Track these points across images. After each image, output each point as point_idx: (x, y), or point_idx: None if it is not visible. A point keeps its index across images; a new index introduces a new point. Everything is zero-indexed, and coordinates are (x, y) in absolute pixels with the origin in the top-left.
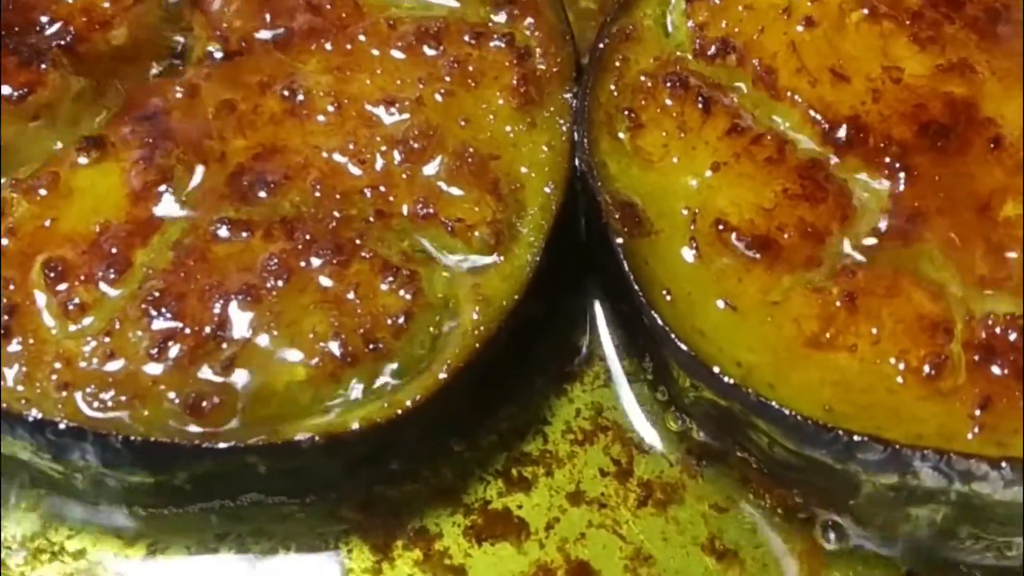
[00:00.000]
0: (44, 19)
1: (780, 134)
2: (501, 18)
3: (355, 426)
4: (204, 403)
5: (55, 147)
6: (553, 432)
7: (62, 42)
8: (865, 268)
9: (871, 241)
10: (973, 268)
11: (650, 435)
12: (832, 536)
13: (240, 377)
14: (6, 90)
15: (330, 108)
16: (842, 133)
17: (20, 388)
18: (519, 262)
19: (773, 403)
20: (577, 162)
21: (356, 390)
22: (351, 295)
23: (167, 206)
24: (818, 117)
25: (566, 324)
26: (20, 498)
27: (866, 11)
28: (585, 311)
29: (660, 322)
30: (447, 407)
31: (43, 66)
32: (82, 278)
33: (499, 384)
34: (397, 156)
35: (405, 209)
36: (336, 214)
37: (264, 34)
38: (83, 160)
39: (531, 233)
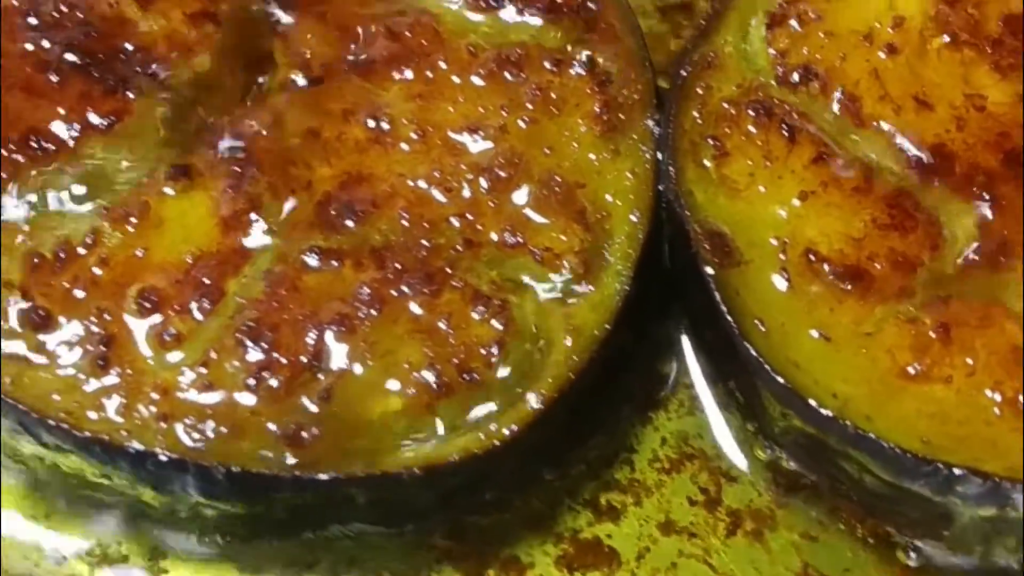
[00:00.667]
0: (128, 47)
1: (867, 163)
2: (581, 44)
3: (453, 457)
4: (303, 434)
5: (144, 175)
6: (640, 461)
7: (147, 70)
8: (957, 298)
9: (961, 271)
10: None
11: (738, 464)
12: (913, 555)
13: (337, 407)
14: (94, 118)
15: (414, 136)
16: (928, 161)
17: (120, 419)
18: (608, 291)
19: (871, 435)
20: (663, 191)
21: (450, 420)
22: (443, 325)
23: (257, 235)
24: (904, 145)
25: (652, 352)
26: (117, 526)
27: (947, 38)
28: (671, 339)
29: (754, 353)
30: (541, 437)
31: (129, 94)
32: (176, 308)
33: (588, 413)
34: (484, 184)
35: (493, 237)
36: (425, 243)
37: (345, 61)
38: (172, 189)
39: (619, 262)
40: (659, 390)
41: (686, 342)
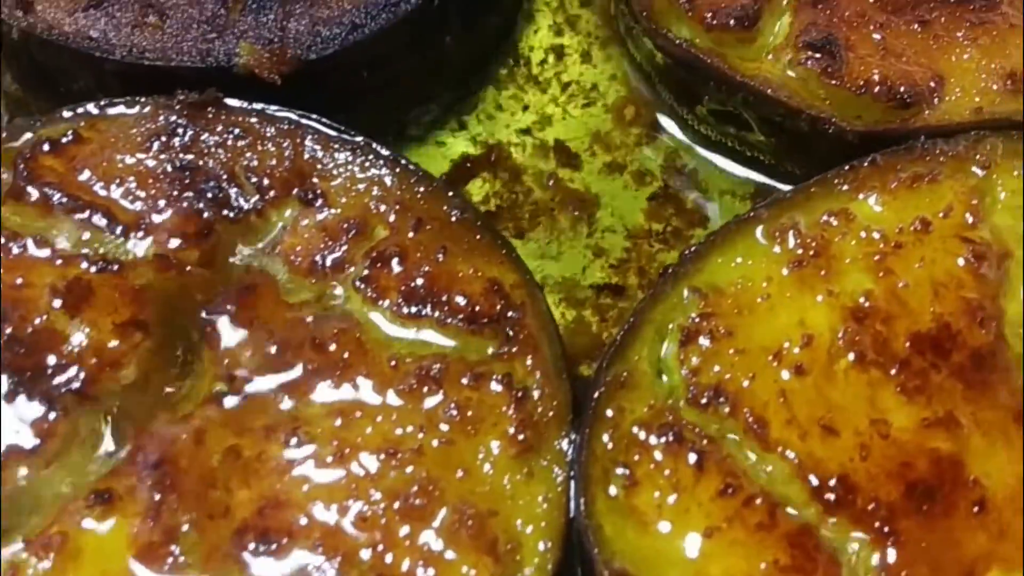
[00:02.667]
0: (55, 361)
1: (772, 495)
2: (500, 355)
3: None
4: None
5: (65, 495)
6: None
7: (73, 386)
8: None
9: None
10: None
11: None
12: None
13: None
14: (20, 441)
15: (330, 459)
16: (831, 493)
17: None
18: None
19: None
20: (573, 522)
21: None
22: None
23: (174, 569)
24: (808, 475)
25: None
26: None
27: (853, 357)
28: None
29: None
30: None
31: (53, 415)
32: None
33: None
34: (397, 514)
35: (405, 567)
36: None
37: (270, 374)
38: (91, 518)
39: None
40: None
41: None
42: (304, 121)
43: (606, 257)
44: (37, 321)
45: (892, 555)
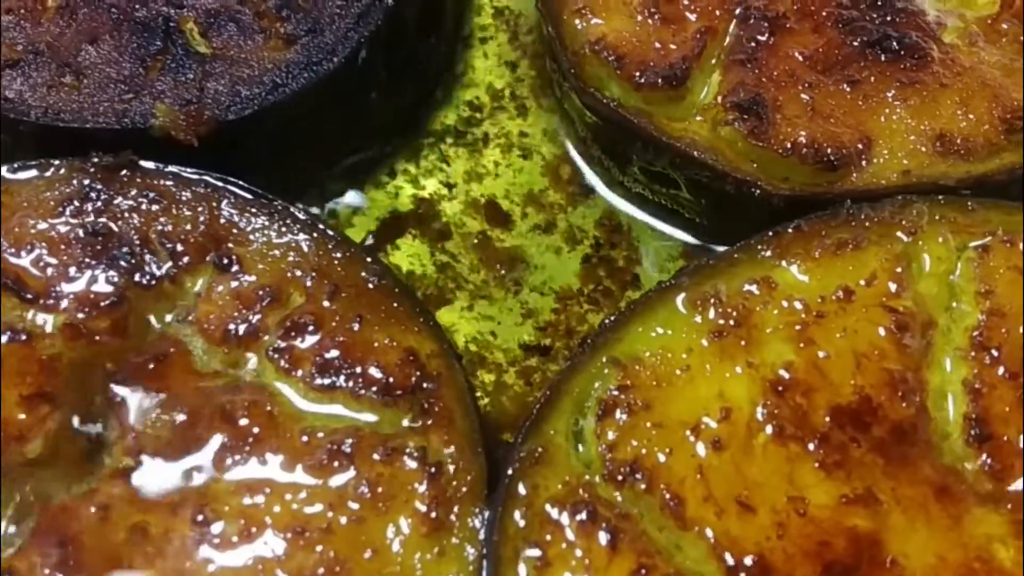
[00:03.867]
0: None
1: (687, 575)
2: (414, 428)
3: None
4: None
5: None
6: None
7: None
8: None
9: None
10: None
11: None
12: None
13: None
14: None
15: (235, 539)
16: (747, 573)
17: None
18: None
19: None
20: None
21: None
22: None
23: None
24: (723, 554)
25: None
26: None
27: (772, 431)
28: None
29: None
30: None
31: None
32: None
33: None
34: None
35: None
36: None
37: (179, 448)
38: None
39: None
40: None
41: None
42: (221, 184)
43: (535, 318)
44: None
45: None
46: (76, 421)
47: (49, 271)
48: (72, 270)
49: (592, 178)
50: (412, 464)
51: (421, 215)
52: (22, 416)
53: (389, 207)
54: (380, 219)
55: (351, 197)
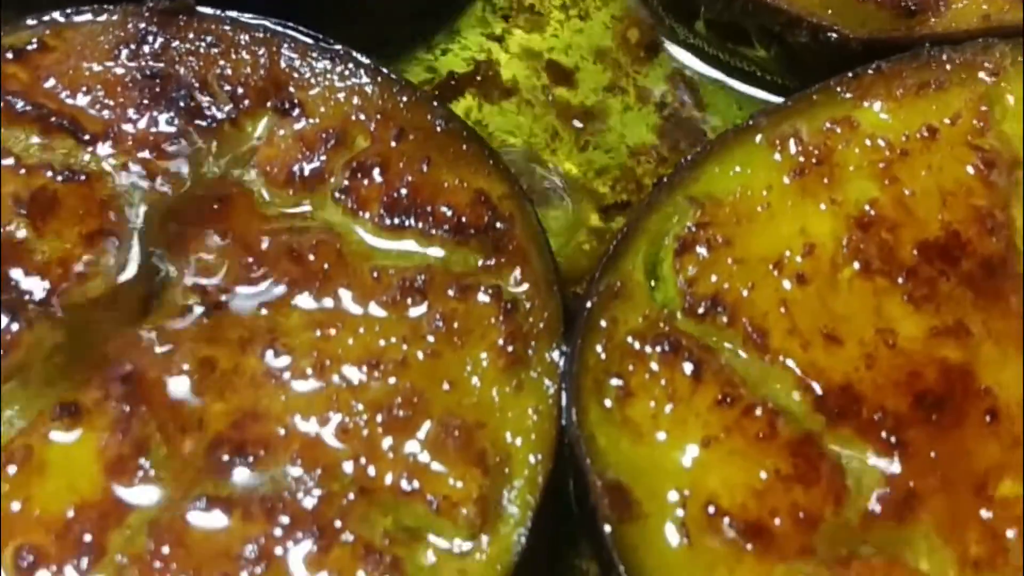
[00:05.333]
0: (20, 273)
1: (772, 405)
2: (488, 267)
3: None
4: None
5: (29, 411)
6: None
7: (38, 297)
8: (858, 558)
9: (864, 524)
10: (968, 550)
11: None
12: None
13: None
14: None
15: (310, 371)
16: (835, 403)
17: None
18: (505, 543)
19: None
20: (565, 433)
21: None
22: None
23: (144, 482)
24: (811, 384)
25: None
26: None
27: (858, 266)
28: (580, 570)
29: None
30: None
31: (16, 327)
32: (54, 569)
33: None
34: (380, 426)
35: (388, 481)
36: (317, 492)
37: (245, 286)
38: (57, 431)
39: (518, 510)
40: None
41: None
42: (280, 29)
43: (605, 176)
44: (3, 233)
45: (900, 466)
46: (137, 261)
47: (106, 113)
48: (130, 112)
49: (658, 36)
50: (486, 300)
51: (480, 76)
52: (83, 253)
53: (447, 68)
54: (438, 79)
55: (407, 58)
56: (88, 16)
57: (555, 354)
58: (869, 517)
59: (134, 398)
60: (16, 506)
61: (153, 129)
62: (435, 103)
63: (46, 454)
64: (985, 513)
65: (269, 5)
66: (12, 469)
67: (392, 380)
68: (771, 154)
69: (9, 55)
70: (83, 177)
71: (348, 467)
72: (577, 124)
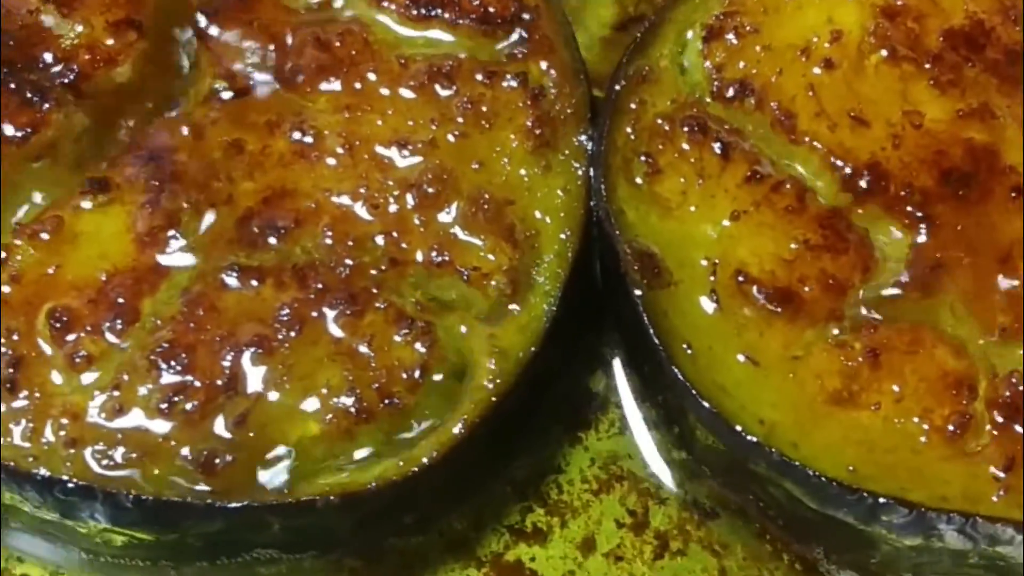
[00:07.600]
0: (47, 56)
1: (800, 181)
2: (515, 55)
3: (372, 484)
4: (216, 460)
5: (58, 188)
6: (567, 481)
7: (65, 80)
8: (887, 322)
9: (892, 292)
10: (994, 319)
11: (666, 484)
12: None
13: (252, 433)
14: (8, 130)
15: (340, 150)
16: (862, 180)
17: (27, 445)
18: (536, 312)
19: (797, 463)
20: (594, 208)
21: (370, 446)
22: (365, 348)
23: (175, 252)
24: (838, 163)
25: (581, 369)
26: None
27: (885, 52)
28: (601, 355)
29: (681, 377)
30: (463, 461)
31: (46, 105)
32: (88, 329)
33: (514, 433)
34: (410, 201)
35: (419, 256)
36: (349, 262)
37: (272, 71)
38: (87, 203)
39: (547, 282)
40: (588, 409)
41: (616, 359)
42: None
43: None
44: (26, 16)
45: (926, 238)
46: (164, 53)
47: None
48: None
49: None
50: (514, 85)
51: None
52: (110, 41)
53: None
54: None
55: None
56: None
57: (583, 138)
58: (896, 286)
59: (163, 175)
60: (49, 271)
61: None
62: None
63: (77, 225)
64: (1009, 283)
65: None
66: (44, 236)
67: (421, 159)
68: None
69: None
70: None
71: (379, 240)
72: None
